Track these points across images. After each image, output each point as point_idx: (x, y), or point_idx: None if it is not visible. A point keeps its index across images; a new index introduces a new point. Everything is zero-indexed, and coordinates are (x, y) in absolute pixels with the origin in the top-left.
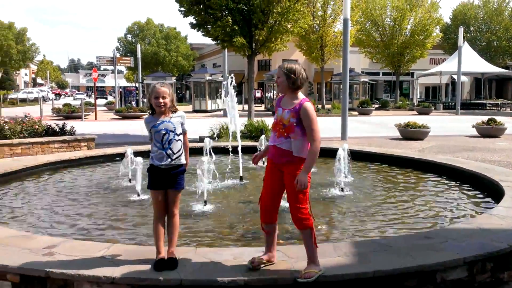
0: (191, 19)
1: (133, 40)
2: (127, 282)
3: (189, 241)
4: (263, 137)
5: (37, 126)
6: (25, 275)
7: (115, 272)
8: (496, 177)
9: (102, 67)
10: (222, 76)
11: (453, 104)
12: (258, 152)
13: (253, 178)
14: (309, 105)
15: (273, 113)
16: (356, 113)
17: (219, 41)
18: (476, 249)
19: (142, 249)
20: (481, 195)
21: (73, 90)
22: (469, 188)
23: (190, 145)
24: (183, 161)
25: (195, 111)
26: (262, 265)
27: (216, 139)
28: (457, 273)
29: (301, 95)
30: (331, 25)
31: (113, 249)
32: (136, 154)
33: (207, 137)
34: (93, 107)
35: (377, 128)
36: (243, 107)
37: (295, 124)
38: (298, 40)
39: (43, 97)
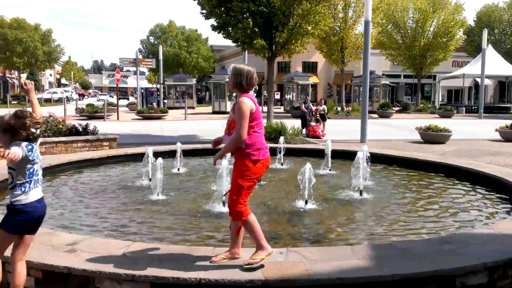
0: (212, 21)
1: (155, 42)
2: (147, 279)
3: (208, 241)
4: (282, 138)
5: (61, 126)
6: (48, 271)
7: (135, 269)
8: None
9: (125, 69)
10: None
11: (476, 107)
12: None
13: (271, 180)
14: (244, 100)
15: (292, 115)
16: (376, 115)
17: (239, 43)
18: (497, 255)
19: (161, 247)
20: (503, 200)
21: (96, 91)
22: (491, 193)
23: (210, 146)
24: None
25: (214, 112)
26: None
27: None
28: (477, 278)
29: (247, 95)
30: (352, 27)
31: (133, 247)
32: (157, 154)
33: None
34: (115, 107)
35: (398, 131)
36: (262, 109)
37: (233, 120)
38: (319, 42)
39: (67, 97)
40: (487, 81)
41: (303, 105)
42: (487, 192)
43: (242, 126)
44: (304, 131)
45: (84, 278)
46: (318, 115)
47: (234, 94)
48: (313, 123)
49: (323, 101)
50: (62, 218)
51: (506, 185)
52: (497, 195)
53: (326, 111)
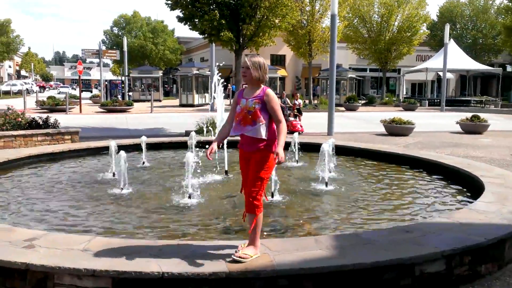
0: (178, 12)
1: (120, 33)
2: (108, 275)
3: (173, 234)
4: None
5: (20, 119)
6: (5, 267)
7: (96, 264)
8: (477, 173)
9: (88, 60)
10: (209, 71)
11: (438, 100)
12: (210, 146)
13: (239, 172)
14: (271, 91)
15: None
16: (343, 108)
17: (206, 35)
18: (455, 243)
19: (123, 242)
20: (462, 190)
21: (58, 83)
22: (450, 183)
23: (176, 139)
24: None
25: (182, 105)
26: None
27: (200, 133)
28: (435, 266)
29: (262, 85)
30: (319, 20)
31: (95, 242)
32: (121, 147)
33: (193, 131)
34: (78, 100)
35: (364, 124)
36: (230, 102)
37: (259, 109)
38: (286, 35)
39: (27, 89)
40: (449, 75)
41: (280, 100)
42: (446, 183)
43: (281, 112)
44: None
45: (43, 275)
46: (295, 110)
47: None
48: (291, 118)
49: (298, 95)
50: (21, 213)
51: (464, 175)
52: (456, 186)
53: (301, 105)
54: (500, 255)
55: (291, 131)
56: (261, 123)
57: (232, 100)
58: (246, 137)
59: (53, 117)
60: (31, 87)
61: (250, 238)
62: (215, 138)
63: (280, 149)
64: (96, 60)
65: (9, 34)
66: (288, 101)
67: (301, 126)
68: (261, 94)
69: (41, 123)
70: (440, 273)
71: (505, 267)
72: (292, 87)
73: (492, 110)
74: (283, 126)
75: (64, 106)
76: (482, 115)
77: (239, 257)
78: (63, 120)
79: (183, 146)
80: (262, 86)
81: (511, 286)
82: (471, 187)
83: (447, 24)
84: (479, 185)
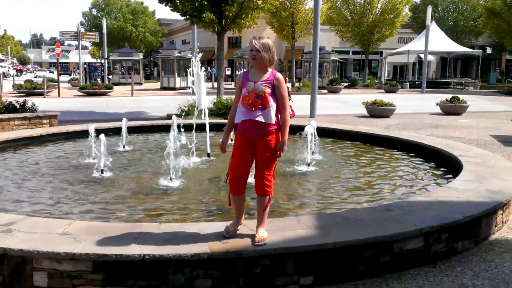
0: None
1: (98, 15)
2: (88, 258)
3: (155, 217)
4: None
5: None
6: None
7: (76, 248)
8: (456, 153)
9: (66, 43)
10: (191, 53)
11: (419, 82)
12: (223, 139)
13: (220, 155)
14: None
15: None
16: (325, 91)
17: (187, 16)
18: (433, 221)
19: (104, 225)
20: (441, 170)
21: (35, 66)
22: (429, 163)
23: (158, 122)
24: None
25: (163, 88)
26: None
27: (183, 116)
28: (414, 243)
29: (270, 69)
30: (302, 2)
31: (74, 226)
32: (100, 131)
33: (174, 114)
34: (56, 83)
35: (346, 106)
36: (213, 85)
37: (269, 94)
38: (269, 17)
39: (3, 73)
40: (430, 57)
41: None
42: (426, 162)
43: (288, 102)
44: None
45: (21, 259)
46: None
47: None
48: None
49: (287, 79)
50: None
51: (444, 155)
52: (435, 165)
53: (290, 89)
54: (477, 232)
55: None
56: (271, 108)
57: (235, 84)
58: (253, 122)
59: (30, 101)
60: (8, 70)
61: (262, 220)
62: (226, 129)
63: (283, 143)
64: (75, 43)
65: None
66: None
67: (292, 110)
68: (271, 78)
69: (18, 107)
70: (419, 250)
71: (481, 244)
72: (276, 70)
73: (472, 92)
74: (287, 115)
75: (42, 90)
76: (461, 97)
77: (261, 240)
78: (41, 104)
79: (165, 129)
80: (270, 69)
81: (487, 262)
82: (450, 166)
83: (429, 6)
84: (458, 165)
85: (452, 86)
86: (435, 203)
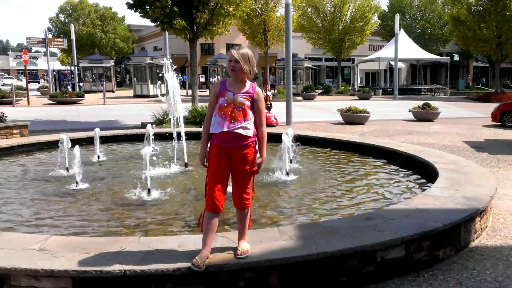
0: None
1: (66, 21)
2: (67, 274)
3: (133, 229)
4: None
5: None
6: None
7: (54, 264)
8: (430, 159)
9: (34, 49)
10: (163, 60)
11: (391, 89)
12: (201, 152)
13: (198, 165)
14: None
15: None
16: (300, 98)
17: (158, 23)
18: (413, 229)
19: (82, 240)
20: (417, 177)
21: (2, 73)
22: (406, 170)
23: (132, 131)
24: None
25: (136, 96)
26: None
27: (157, 125)
28: (395, 252)
29: (248, 81)
30: (274, 9)
31: (51, 241)
32: (73, 141)
33: (149, 123)
34: (25, 91)
35: (321, 113)
36: (187, 92)
37: (248, 107)
38: (241, 24)
39: None
40: (400, 64)
41: None
42: (402, 169)
43: (264, 118)
44: None
45: None
46: (269, 102)
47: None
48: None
49: (268, 86)
50: None
51: (419, 162)
52: (411, 172)
53: (271, 98)
54: (457, 239)
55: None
56: (249, 121)
57: (211, 92)
58: (232, 134)
59: None
60: None
61: (244, 232)
62: (202, 141)
63: (263, 160)
64: (43, 49)
65: None
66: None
67: (275, 119)
68: (251, 91)
69: None
70: (401, 259)
71: (462, 251)
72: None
73: (442, 98)
74: (264, 131)
75: (11, 98)
76: (432, 103)
77: (244, 253)
78: (10, 113)
79: (140, 138)
80: (249, 81)
81: (469, 270)
82: (426, 173)
83: (397, 14)
84: (433, 171)
85: (423, 93)
86: (414, 211)
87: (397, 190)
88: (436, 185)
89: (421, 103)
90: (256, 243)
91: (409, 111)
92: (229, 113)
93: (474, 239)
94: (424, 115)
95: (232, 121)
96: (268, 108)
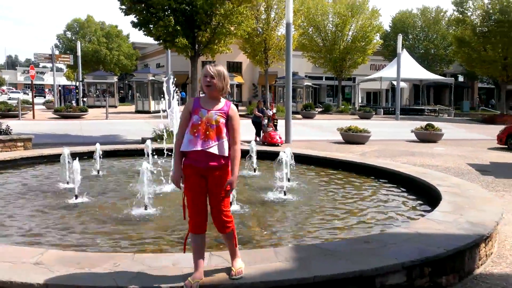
0: (132, 17)
1: (73, 38)
2: None
3: (128, 246)
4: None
5: None
6: None
7: (49, 279)
8: (433, 182)
9: (41, 65)
10: (165, 77)
11: (393, 109)
12: (172, 174)
13: None
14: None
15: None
16: (300, 116)
17: (161, 41)
18: (414, 254)
19: (78, 255)
20: (419, 200)
21: (11, 87)
22: (408, 193)
23: (132, 146)
24: None
25: (138, 111)
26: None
27: (156, 140)
28: (396, 278)
29: (222, 98)
30: (275, 28)
31: (48, 255)
32: (75, 155)
33: (149, 138)
34: (31, 105)
35: (321, 132)
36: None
37: (223, 124)
38: (242, 43)
39: None
40: (402, 84)
41: (256, 110)
42: (404, 192)
43: (240, 133)
44: (257, 138)
45: None
46: (275, 120)
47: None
48: (270, 129)
49: (272, 104)
50: None
51: (421, 184)
52: (413, 195)
53: (275, 115)
54: (461, 266)
55: (269, 143)
56: (224, 139)
57: (183, 109)
58: (205, 153)
59: (5, 123)
60: None
61: (234, 252)
62: (175, 161)
63: (233, 179)
64: (50, 65)
65: None
66: (266, 111)
67: (280, 138)
68: (226, 108)
69: None
70: (401, 285)
71: (465, 278)
72: (249, 94)
73: (446, 119)
74: (238, 150)
75: (17, 112)
76: (436, 124)
77: (238, 273)
78: (16, 126)
79: (139, 153)
80: (223, 99)
81: None
82: (428, 196)
83: (400, 34)
84: (436, 194)
85: (426, 113)
86: (415, 235)
87: (397, 213)
88: (439, 209)
89: (424, 123)
90: (251, 264)
91: (412, 131)
92: (203, 131)
93: (479, 266)
94: (427, 136)
95: (206, 139)
96: (275, 126)
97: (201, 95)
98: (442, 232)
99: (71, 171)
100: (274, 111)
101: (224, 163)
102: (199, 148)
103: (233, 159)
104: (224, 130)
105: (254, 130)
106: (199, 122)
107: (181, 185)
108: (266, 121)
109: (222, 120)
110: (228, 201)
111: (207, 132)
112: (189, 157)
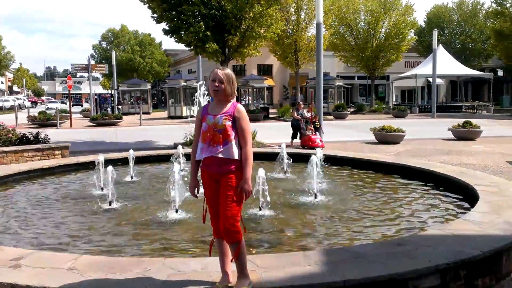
0: (164, 25)
1: (108, 47)
2: None
3: (160, 249)
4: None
5: (11, 135)
6: None
7: (82, 284)
8: (471, 181)
9: (78, 75)
10: (197, 82)
11: (429, 107)
12: (191, 183)
13: None
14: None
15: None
16: (331, 117)
17: (192, 47)
18: (449, 256)
19: (110, 260)
20: (456, 200)
21: (50, 98)
22: (444, 193)
23: (164, 151)
24: None
25: (170, 117)
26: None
27: (188, 145)
28: (430, 281)
29: (232, 100)
30: (305, 29)
31: (81, 261)
32: (109, 162)
33: (180, 144)
34: (69, 114)
35: (353, 132)
36: None
37: (230, 126)
38: (272, 45)
39: (19, 105)
40: (439, 81)
41: (295, 113)
42: (439, 192)
43: (250, 133)
44: (295, 141)
45: None
46: (317, 123)
47: (207, 98)
48: (309, 132)
49: (311, 106)
50: (9, 231)
51: (458, 184)
52: (450, 195)
53: (317, 118)
54: (497, 268)
55: (310, 146)
56: (231, 142)
57: (195, 118)
58: (215, 159)
59: (43, 132)
60: (23, 102)
61: (238, 269)
62: (191, 170)
63: (245, 183)
64: (86, 75)
65: (0, 50)
66: (305, 113)
67: (321, 141)
68: (232, 110)
69: (31, 138)
70: None
71: (503, 280)
72: (280, 96)
73: (485, 116)
74: (249, 151)
75: (55, 121)
76: (474, 121)
77: None
78: (54, 135)
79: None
80: (232, 101)
81: None
82: (465, 196)
83: (435, 29)
84: (473, 194)
85: (463, 110)
86: (450, 237)
87: (432, 214)
88: (476, 209)
89: (461, 121)
90: (280, 268)
91: (449, 129)
92: (211, 137)
93: None
94: (465, 134)
95: (214, 145)
96: (317, 129)
97: (210, 102)
98: (478, 233)
99: (105, 177)
100: (312, 114)
101: (234, 167)
102: (208, 154)
103: (244, 161)
104: (232, 133)
105: (288, 133)
106: (207, 129)
107: (196, 193)
108: (304, 123)
109: (229, 123)
110: (238, 209)
111: (215, 138)
112: (204, 163)
